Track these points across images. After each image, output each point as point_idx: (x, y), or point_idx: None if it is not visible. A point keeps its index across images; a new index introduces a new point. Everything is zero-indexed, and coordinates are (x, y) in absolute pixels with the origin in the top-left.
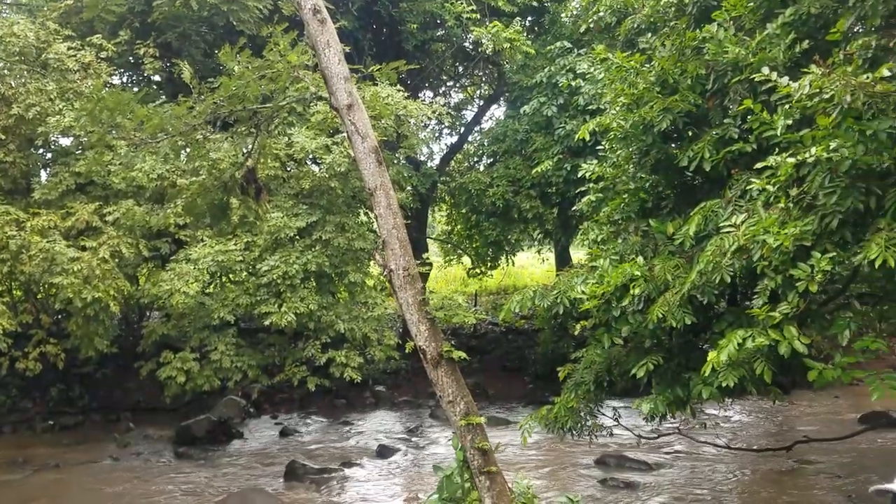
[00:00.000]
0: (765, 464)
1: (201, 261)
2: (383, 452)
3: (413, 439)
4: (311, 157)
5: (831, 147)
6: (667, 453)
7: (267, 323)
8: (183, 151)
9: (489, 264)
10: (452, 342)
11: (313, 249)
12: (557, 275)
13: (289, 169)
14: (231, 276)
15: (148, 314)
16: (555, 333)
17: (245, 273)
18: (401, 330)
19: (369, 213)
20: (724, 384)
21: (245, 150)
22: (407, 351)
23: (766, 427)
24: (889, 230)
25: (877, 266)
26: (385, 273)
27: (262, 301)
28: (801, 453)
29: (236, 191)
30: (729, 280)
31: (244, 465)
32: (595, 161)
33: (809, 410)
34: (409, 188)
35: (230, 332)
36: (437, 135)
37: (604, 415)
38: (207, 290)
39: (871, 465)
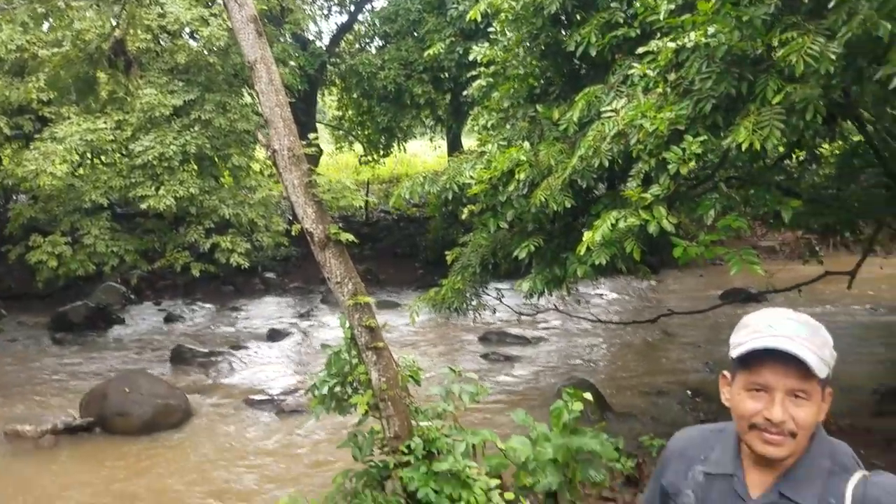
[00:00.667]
0: (634, 336)
1: (68, 140)
2: (274, 336)
3: (304, 323)
4: (186, 29)
5: (709, 32)
6: (545, 329)
7: (144, 207)
8: (45, 21)
9: (381, 152)
10: (341, 225)
11: (192, 130)
12: (448, 161)
13: (162, 42)
14: (102, 157)
15: (14, 197)
16: (445, 220)
17: (118, 154)
18: (290, 217)
19: (254, 94)
20: (597, 262)
21: (112, 20)
22: (294, 234)
23: (636, 304)
24: (757, 114)
25: (744, 149)
26: (269, 154)
27: (138, 184)
28: (666, 326)
29: (104, 64)
30: (607, 164)
31: (127, 350)
32: (486, 44)
33: (675, 288)
34: (293, 65)
35: (104, 216)
36: (325, 11)
37: (488, 295)
38: (77, 172)
39: (726, 335)
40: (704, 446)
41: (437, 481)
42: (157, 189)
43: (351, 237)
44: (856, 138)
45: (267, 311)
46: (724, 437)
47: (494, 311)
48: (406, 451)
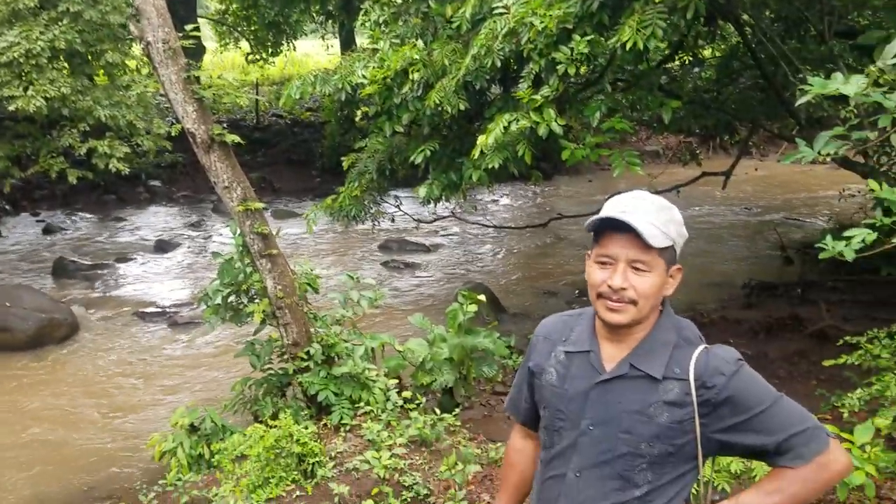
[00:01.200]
0: (527, 240)
1: None
2: (163, 247)
3: (194, 234)
4: None
5: None
6: (444, 236)
7: (12, 109)
8: None
9: (270, 50)
10: (227, 127)
11: (60, 24)
12: (340, 60)
13: None
14: None
15: None
16: (342, 126)
17: None
18: (172, 121)
19: None
20: (490, 166)
21: None
22: (174, 135)
23: (530, 209)
24: (641, 13)
25: (628, 48)
26: (143, 47)
27: (4, 83)
28: (557, 230)
29: None
30: (500, 65)
31: (5, 263)
32: None
33: (566, 193)
34: None
35: None
36: None
37: (386, 202)
38: None
39: None
40: (565, 329)
41: (337, 384)
42: (26, 89)
43: (237, 139)
44: (735, 41)
45: (153, 221)
46: (582, 319)
47: (393, 218)
48: (305, 357)
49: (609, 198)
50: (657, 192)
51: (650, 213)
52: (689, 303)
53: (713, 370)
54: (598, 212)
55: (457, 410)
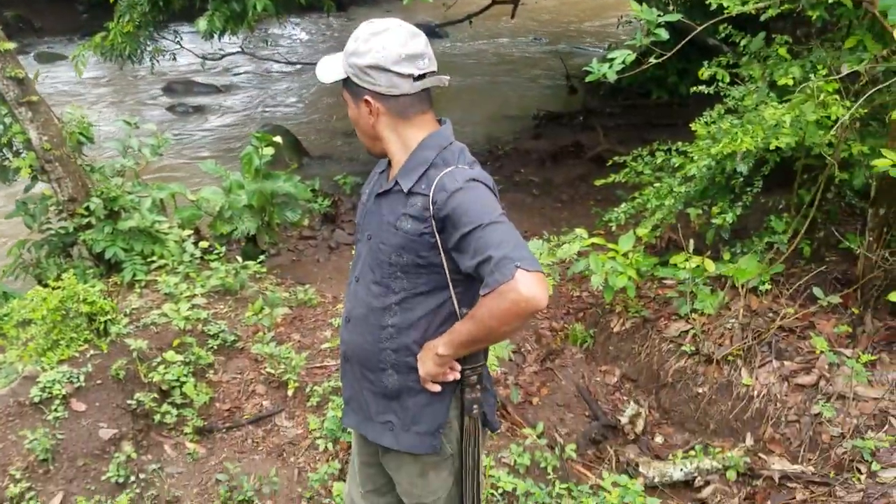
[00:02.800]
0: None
1: None
2: None
3: None
4: None
5: None
6: (236, 76)
7: None
8: None
9: None
10: None
11: None
12: None
13: None
14: None
15: None
16: None
17: None
18: None
19: None
20: None
21: None
22: None
23: (327, 43)
24: None
25: None
26: None
27: None
28: None
29: None
30: None
31: None
32: None
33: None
34: None
35: None
36: None
37: (165, 38)
38: None
39: None
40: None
41: (126, 240)
42: None
43: None
44: None
45: None
46: None
47: (174, 56)
48: (85, 212)
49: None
50: (451, 23)
51: (342, 54)
52: (487, 135)
53: (440, 187)
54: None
55: (262, 258)
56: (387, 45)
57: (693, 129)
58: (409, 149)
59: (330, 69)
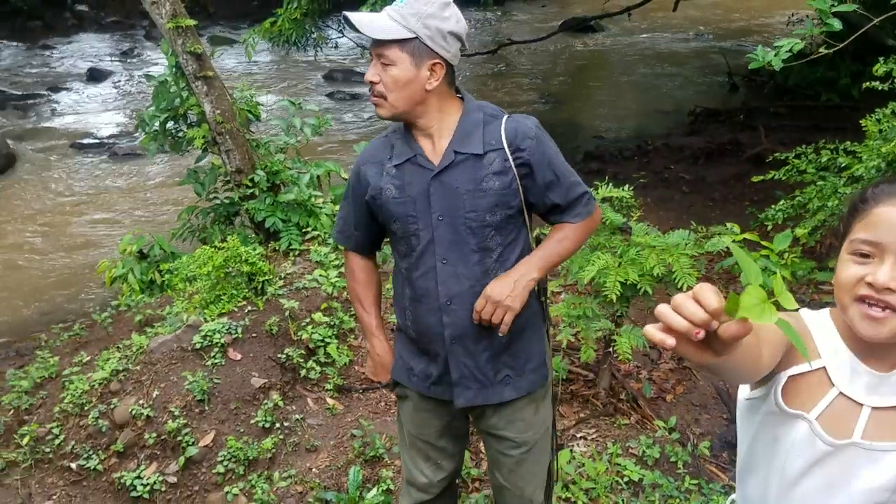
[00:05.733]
0: (479, 69)
1: None
2: (96, 76)
3: (128, 61)
4: None
5: None
6: None
7: None
8: None
9: None
10: None
11: None
12: None
13: None
14: None
15: None
16: None
17: None
18: None
19: None
20: None
21: None
22: None
23: (483, 37)
24: None
25: None
26: None
27: None
28: (509, 58)
29: None
30: None
31: None
32: None
33: (520, 18)
34: None
35: None
36: None
37: (329, 27)
38: None
39: (562, 65)
40: (385, 149)
41: (284, 211)
42: None
43: None
44: None
45: (83, 49)
46: (398, 135)
47: (336, 45)
48: (250, 184)
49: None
50: (608, 15)
51: (399, 8)
52: (637, 129)
53: (520, 135)
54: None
55: None
56: (460, 16)
57: (863, 126)
58: (449, 117)
59: (387, 26)
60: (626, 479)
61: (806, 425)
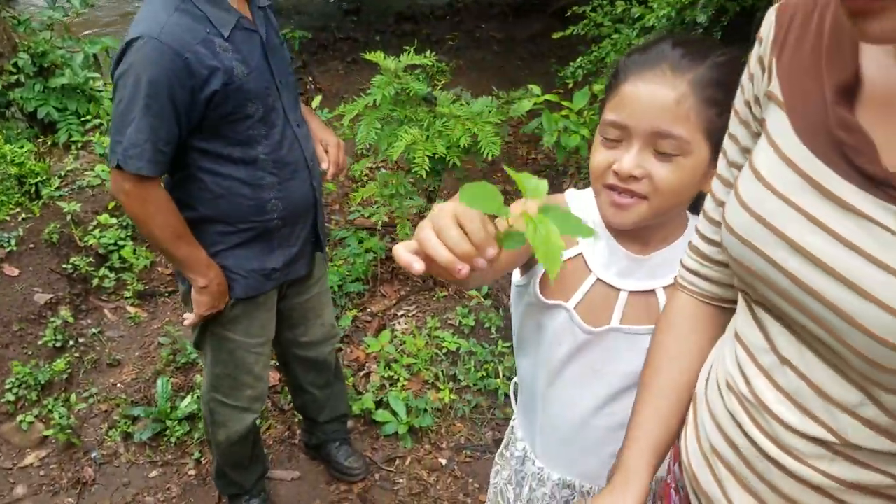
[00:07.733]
0: None
1: None
2: None
3: None
4: None
5: None
6: None
7: None
8: None
9: None
10: None
11: None
12: None
13: None
14: None
15: None
16: None
17: None
18: None
19: None
20: None
21: None
22: None
23: None
24: None
25: None
26: None
27: None
28: None
29: None
30: None
31: None
32: None
33: None
34: None
35: None
36: None
37: None
38: None
39: None
40: (198, 21)
41: (59, 98)
42: None
43: None
44: None
45: None
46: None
47: None
48: (14, 69)
49: None
50: None
51: None
52: None
53: None
54: None
55: None
56: None
57: None
58: None
59: None
60: (444, 350)
61: (566, 314)
